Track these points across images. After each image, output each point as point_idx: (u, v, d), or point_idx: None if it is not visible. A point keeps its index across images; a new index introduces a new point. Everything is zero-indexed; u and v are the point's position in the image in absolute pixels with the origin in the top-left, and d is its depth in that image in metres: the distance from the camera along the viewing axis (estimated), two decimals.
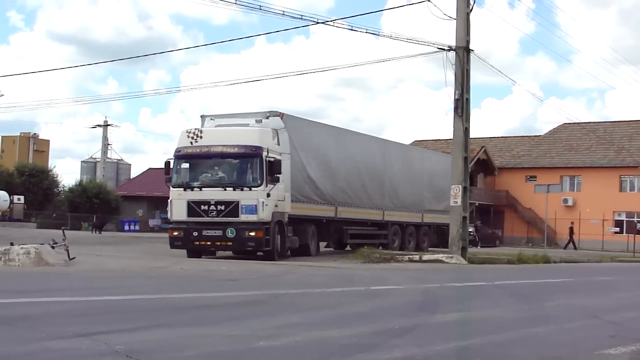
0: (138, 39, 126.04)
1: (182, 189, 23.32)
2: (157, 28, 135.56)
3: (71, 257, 17.04)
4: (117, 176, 76.71)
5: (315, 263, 22.27)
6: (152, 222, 59.77)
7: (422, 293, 13.45)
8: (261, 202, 22.65)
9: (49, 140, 76.96)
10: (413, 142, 69.28)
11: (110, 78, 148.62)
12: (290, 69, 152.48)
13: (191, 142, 23.45)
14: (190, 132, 23.64)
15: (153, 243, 31.61)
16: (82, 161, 78.67)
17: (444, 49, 25.75)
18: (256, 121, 24.17)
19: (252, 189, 22.75)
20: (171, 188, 23.56)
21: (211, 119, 25.18)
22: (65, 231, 18.89)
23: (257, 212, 22.63)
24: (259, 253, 23.76)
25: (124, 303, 10.16)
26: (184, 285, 13.68)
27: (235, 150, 23.10)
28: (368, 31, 31.96)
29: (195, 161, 23.65)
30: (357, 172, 29.74)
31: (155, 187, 55.38)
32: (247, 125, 24.08)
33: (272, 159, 23.02)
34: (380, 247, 29.84)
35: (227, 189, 22.96)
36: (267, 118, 24.29)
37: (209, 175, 23.64)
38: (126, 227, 56.59)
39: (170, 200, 23.47)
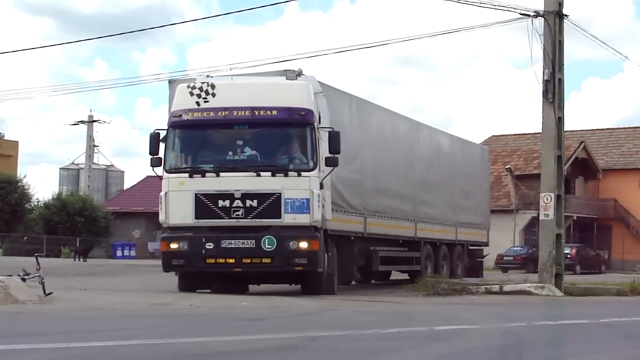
0: (133, 8, 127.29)
1: (186, 174, 20.27)
2: None
3: (47, 292, 17.18)
4: (107, 187, 77.42)
5: (362, 297, 22.27)
6: (152, 246, 60.12)
7: (503, 335, 13.40)
8: (316, 194, 19.80)
9: (17, 142, 77.60)
10: (490, 137, 69.10)
11: (97, 59, 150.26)
12: (331, 44, 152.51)
13: (198, 103, 20.35)
14: (195, 88, 20.49)
15: (154, 273, 31.75)
16: (60, 168, 79.61)
17: (528, 15, 25.64)
18: (287, 78, 21.23)
19: (302, 173, 19.96)
20: (165, 174, 20.39)
21: (208, 76, 21.90)
22: (39, 259, 19.03)
23: (309, 209, 19.75)
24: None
25: (116, 351, 10.21)
26: (194, 326, 13.75)
27: (275, 113, 20.24)
28: None
29: (207, 132, 20.88)
30: (387, 166, 27.27)
31: (157, 200, 55.41)
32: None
33: (327, 130, 20.36)
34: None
35: (262, 173, 20.02)
36: (301, 75, 21.42)
37: (231, 153, 20.66)
38: (119, 253, 57.08)
39: (165, 193, 20.28)
